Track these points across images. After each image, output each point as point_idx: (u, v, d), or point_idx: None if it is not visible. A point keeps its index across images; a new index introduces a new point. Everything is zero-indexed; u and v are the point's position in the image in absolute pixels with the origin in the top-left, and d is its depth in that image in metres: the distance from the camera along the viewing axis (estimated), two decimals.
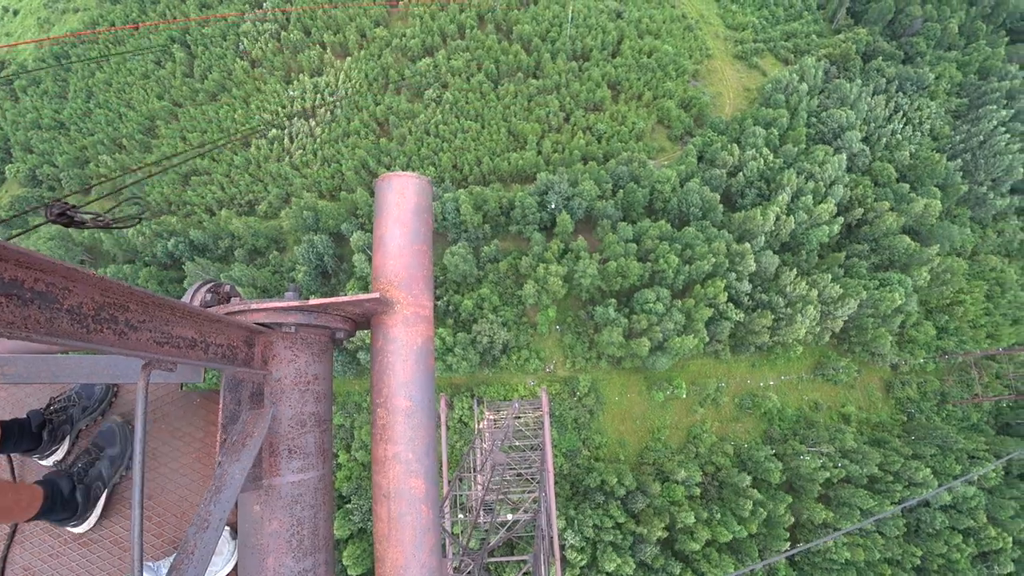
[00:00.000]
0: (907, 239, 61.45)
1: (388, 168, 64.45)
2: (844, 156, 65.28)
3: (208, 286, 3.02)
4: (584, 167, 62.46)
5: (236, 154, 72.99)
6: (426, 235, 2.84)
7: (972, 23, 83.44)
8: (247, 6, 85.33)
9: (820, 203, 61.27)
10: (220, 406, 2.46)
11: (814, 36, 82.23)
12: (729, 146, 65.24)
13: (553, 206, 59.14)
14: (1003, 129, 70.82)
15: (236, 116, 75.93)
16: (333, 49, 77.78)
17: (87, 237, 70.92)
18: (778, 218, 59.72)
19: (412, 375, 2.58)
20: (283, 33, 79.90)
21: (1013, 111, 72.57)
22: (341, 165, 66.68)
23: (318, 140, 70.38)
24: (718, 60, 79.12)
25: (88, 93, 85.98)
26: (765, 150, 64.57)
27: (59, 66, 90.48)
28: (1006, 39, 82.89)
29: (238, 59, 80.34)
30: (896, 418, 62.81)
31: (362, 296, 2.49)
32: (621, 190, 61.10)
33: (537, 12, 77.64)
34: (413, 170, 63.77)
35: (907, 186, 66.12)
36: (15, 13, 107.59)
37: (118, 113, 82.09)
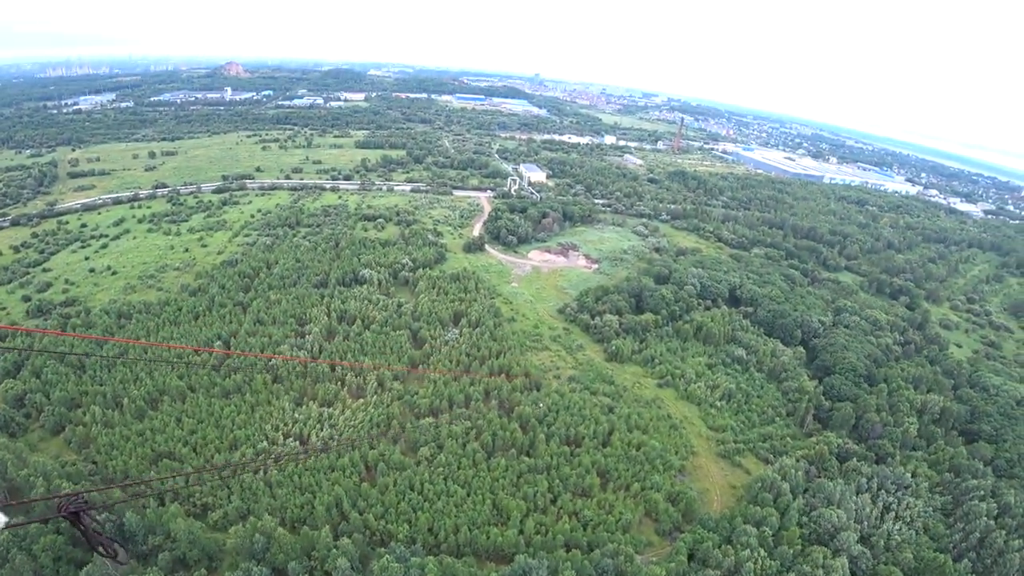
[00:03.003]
0: None
1: (361, 514, 63.53)
2: (845, 559, 63.27)
3: None
4: (567, 555, 60.88)
5: (220, 452, 73.46)
6: None
7: (926, 427, 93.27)
8: (293, 333, 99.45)
9: None
10: None
11: (788, 439, 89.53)
12: (722, 546, 64.33)
13: None
14: (994, 524, 70.85)
15: (238, 419, 79.31)
16: (350, 389, 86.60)
17: (22, 478, 65.76)
18: None
19: None
20: (310, 364, 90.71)
21: (996, 508, 73.90)
22: (315, 498, 66.00)
23: (300, 466, 71.57)
24: (703, 457, 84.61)
25: (121, 350, 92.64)
26: (760, 551, 63.29)
27: (116, 322, 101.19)
28: (960, 439, 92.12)
29: (264, 371, 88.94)
30: None
31: None
32: None
33: (538, 397, 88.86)
34: (387, 524, 62.78)
35: None
36: (114, 273, 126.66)
37: (135, 376, 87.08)
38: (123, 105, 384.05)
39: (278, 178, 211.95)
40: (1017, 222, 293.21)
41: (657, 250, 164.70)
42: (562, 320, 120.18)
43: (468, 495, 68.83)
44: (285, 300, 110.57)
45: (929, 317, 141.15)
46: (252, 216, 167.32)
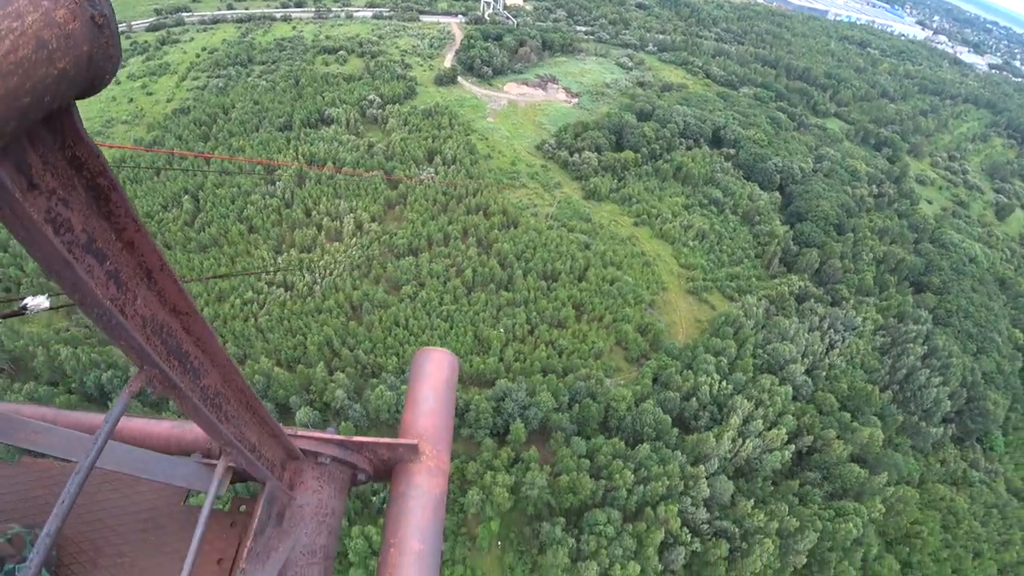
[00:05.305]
0: (856, 467, 65.20)
1: (352, 350, 66.80)
2: (790, 387, 71.92)
3: None
4: (543, 379, 66.13)
5: (208, 305, 74.63)
6: (452, 404, 3.23)
7: (882, 276, 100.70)
8: (263, 181, 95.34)
9: (771, 429, 65.54)
10: (256, 515, 2.49)
11: (754, 279, 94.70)
12: (683, 372, 70.91)
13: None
14: (920, 364, 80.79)
15: (219, 271, 79.17)
16: (328, 233, 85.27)
17: (20, 348, 67.73)
18: (733, 442, 63.03)
19: (428, 522, 2.75)
20: (285, 210, 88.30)
21: (926, 349, 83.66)
22: (306, 339, 68.65)
23: (288, 310, 73.23)
24: (672, 293, 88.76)
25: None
26: (716, 376, 70.26)
27: None
28: (910, 289, 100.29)
29: (238, 222, 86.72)
30: None
31: (400, 440, 2.86)
32: (577, 404, 64.42)
33: (516, 235, 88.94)
34: (376, 357, 66.43)
35: (848, 415, 72.40)
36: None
37: None
38: None
39: (219, 8, 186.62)
40: (1019, 79, 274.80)
41: (641, 84, 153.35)
42: (540, 157, 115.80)
43: (451, 328, 71.76)
44: (249, 147, 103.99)
45: (908, 171, 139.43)
46: (197, 56, 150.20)
